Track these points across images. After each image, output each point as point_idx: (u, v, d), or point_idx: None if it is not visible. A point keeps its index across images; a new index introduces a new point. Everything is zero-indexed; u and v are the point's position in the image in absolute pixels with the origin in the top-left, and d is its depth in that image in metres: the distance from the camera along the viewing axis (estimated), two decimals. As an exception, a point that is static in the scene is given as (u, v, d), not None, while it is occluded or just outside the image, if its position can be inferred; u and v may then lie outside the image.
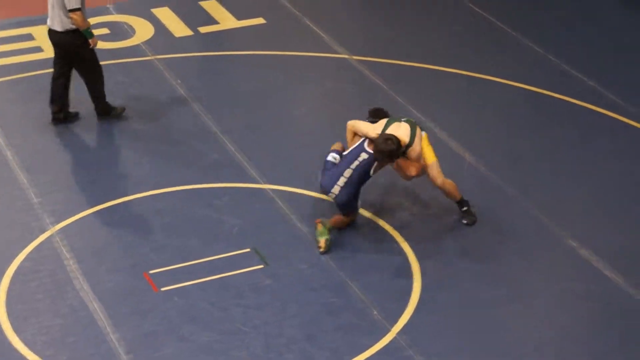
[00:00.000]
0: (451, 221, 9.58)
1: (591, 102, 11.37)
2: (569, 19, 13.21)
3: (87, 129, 10.94)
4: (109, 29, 12.88)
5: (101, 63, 11.51)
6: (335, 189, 9.11)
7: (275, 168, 10.30)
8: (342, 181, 9.09)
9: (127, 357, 8.09)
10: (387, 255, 9.09)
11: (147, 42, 12.59)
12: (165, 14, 13.23)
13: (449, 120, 11.05)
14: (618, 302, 8.65)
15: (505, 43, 12.64)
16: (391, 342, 8.22)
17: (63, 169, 10.32)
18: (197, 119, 11.11)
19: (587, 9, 13.39)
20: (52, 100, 10.85)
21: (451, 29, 13.03)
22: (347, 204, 9.16)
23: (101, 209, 9.71)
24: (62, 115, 10.87)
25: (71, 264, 9.03)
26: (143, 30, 12.86)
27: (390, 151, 8.96)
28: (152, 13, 13.24)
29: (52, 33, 10.66)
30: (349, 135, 9.42)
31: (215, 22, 13.11)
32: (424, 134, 9.32)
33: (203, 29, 12.95)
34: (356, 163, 9.10)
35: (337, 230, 9.26)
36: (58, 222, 9.52)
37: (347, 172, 9.10)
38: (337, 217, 9.26)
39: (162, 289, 8.75)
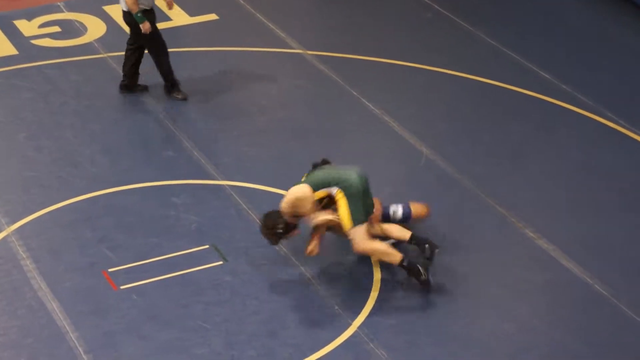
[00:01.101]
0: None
1: (546, 94, 11.48)
2: (523, 12, 13.32)
3: (40, 127, 10.90)
4: (60, 27, 12.81)
5: (52, 61, 11.52)
6: None
7: (232, 164, 10.32)
8: None
9: (86, 357, 8.08)
10: (347, 251, 9.15)
11: (99, 40, 12.55)
12: (117, 11, 13.10)
13: (406, 114, 11.11)
14: (576, 292, 8.77)
15: (461, 37, 12.73)
16: (352, 335, 8.28)
17: (17, 169, 10.25)
18: (152, 116, 11.11)
19: (542, 2, 13.53)
20: (123, 71, 11.42)
21: (407, 23, 13.10)
22: None
23: (57, 208, 9.67)
24: (126, 84, 11.43)
25: (28, 264, 9.00)
26: (95, 28, 12.81)
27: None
28: (103, 10, 13.19)
29: (122, 13, 11.22)
30: None
31: (168, 19, 13.08)
32: (335, 190, 8.59)
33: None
34: None
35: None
36: (13, 222, 9.48)
37: None
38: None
39: (122, 287, 8.75)
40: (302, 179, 8.83)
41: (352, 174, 8.67)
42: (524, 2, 13.54)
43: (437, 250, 8.72)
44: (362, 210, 8.60)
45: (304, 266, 8.95)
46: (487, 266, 9.06)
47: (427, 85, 11.76)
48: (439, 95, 11.57)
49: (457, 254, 9.16)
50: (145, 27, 11.00)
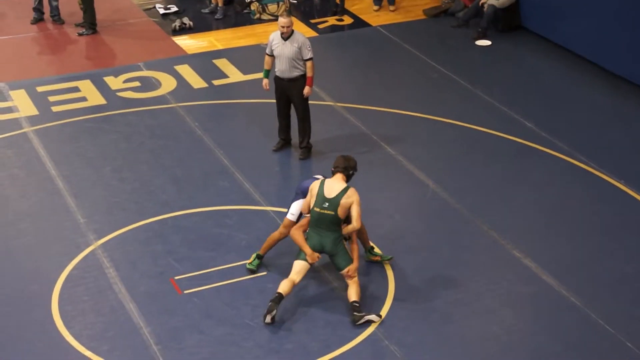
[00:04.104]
0: (420, 239, 9.58)
1: (529, 140, 11.36)
2: (512, 74, 13.23)
3: (122, 162, 10.90)
4: (140, 83, 12.86)
5: (133, 110, 11.55)
6: None
7: (275, 194, 10.28)
8: None
9: (156, 348, 8.05)
10: (368, 266, 9.06)
11: (171, 93, 12.57)
12: (185, 70, 13.23)
13: (416, 155, 11.03)
14: (555, 302, 8.64)
15: (461, 93, 12.64)
16: (370, 335, 8.19)
17: (104, 195, 10.25)
18: (211, 154, 11.09)
19: (527, 67, 13.46)
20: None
21: (417, 81, 13.03)
22: None
23: (135, 227, 9.65)
24: (280, 144, 11.03)
25: (111, 272, 8.98)
26: (167, 83, 12.85)
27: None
28: (175, 69, 13.23)
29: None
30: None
31: (226, 76, 13.11)
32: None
33: (216, 82, 12.94)
34: None
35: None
36: (100, 238, 9.47)
37: None
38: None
39: (185, 291, 8.70)
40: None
41: None
42: (512, 66, 13.46)
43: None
44: None
45: (331, 276, 8.85)
46: (480, 279, 8.94)
47: (432, 132, 11.67)
48: (442, 140, 11.48)
49: (457, 270, 9.06)
50: (263, 82, 10.83)
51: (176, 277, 8.88)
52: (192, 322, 8.32)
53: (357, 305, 8.22)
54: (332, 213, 8.26)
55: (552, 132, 11.52)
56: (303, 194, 8.66)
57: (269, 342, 8.08)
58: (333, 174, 8.49)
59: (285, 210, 9.86)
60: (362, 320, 8.20)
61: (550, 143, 11.31)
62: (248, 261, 8.96)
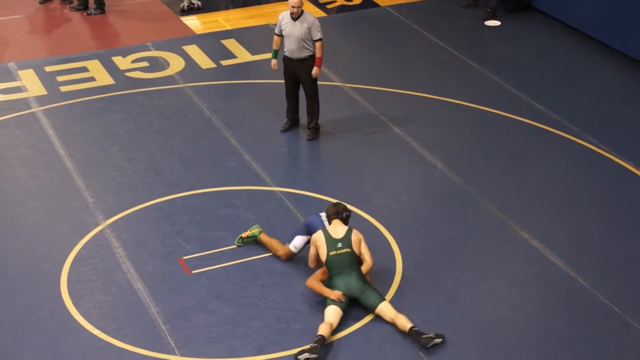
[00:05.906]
0: (428, 219, 9.59)
1: (539, 122, 11.37)
2: (520, 54, 13.21)
3: (130, 142, 10.93)
4: (149, 63, 12.88)
5: (141, 90, 11.54)
6: None
7: (283, 174, 10.30)
8: None
9: (164, 327, 8.09)
10: (376, 246, 9.08)
11: (179, 73, 12.59)
12: (193, 50, 13.24)
13: (424, 136, 11.04)
14: (561, 283, 8.65)
15: (470, 74, 12.64)
16: (373, 319, 8.20)
17: (112, 175, 10.29)
18: (220, 134, 11.11)
19: (536, 46, 13.41)
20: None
21: (426, 62, 13.04)
22: None
23: (143, 207, 9.69)
24: (288, 125, 11.04)
25: (119, 252, 9.02)
26: (176, 64, 12.86)
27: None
28: (183, 49, 13.24)
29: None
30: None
31: (234, 57, 13.12)
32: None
33: (224, 62, 12.95)
34: None
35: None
36: (108, 218, 9.51)
37: None
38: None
39: (193, 271, 8.74)
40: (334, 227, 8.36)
41: None
42: (521, 46, 13.43)
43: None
44: None
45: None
46: (488, 260, 8.95)
47: (440, 112, 11.67)
48: (450, 121, 11.48)
49: (464, 251, 9.07)
50: (271, 62, 10.85)
51: (184, 257, 8.92)
52: (201, 302, 8.36)
53: (417, 328, 7.90)
54: (349, 250, 8.21)
55: (561, 114, 11.49)
56: (307, 232, 8.61)
57: (277, 323, 8.11)
58: (329, 222, 8.45)
59: (292, 190, 9.94)
60: (433, 342, 7.83)
61: (559, 124, 11.28)
62: (242, 234, 8.97)
